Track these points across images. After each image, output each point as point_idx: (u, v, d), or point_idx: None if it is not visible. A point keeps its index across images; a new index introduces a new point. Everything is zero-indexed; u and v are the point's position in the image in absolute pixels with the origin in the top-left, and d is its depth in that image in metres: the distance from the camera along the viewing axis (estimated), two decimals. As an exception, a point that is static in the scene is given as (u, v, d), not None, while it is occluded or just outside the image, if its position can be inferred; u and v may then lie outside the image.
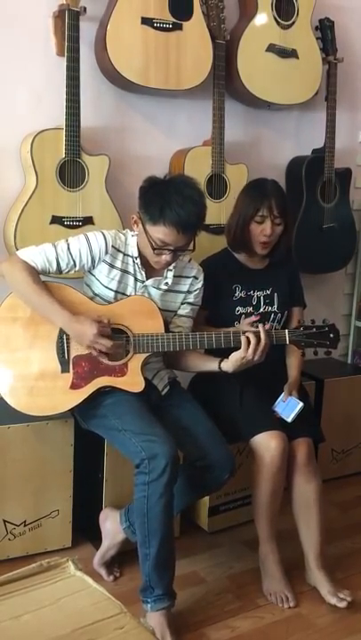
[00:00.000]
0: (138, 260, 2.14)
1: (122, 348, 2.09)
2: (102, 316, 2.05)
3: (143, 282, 2.16)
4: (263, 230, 2.31)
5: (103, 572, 2.27)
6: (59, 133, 2.34)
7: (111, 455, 2.30)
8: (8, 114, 2.44)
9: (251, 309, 2.39)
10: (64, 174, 2.37)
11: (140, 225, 2.09)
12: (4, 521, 2.26)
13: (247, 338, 2.06)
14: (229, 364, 2.10)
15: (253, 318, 2.21)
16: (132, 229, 2.16)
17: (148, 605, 1.97)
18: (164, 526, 1.95)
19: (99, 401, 2.10)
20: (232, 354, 2.09)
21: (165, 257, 2.08)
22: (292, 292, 2.49)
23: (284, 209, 2.33)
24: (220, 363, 2.13)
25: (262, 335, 2.06)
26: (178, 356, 2.23)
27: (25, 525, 2.30)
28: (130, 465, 2.00)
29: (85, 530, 2.43)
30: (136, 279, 2.16)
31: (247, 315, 2.37)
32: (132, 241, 2.15)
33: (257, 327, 2.11)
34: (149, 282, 2.17)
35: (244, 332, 2.08)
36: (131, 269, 2.15)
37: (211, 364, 2.16)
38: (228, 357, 2.10)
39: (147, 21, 2.45)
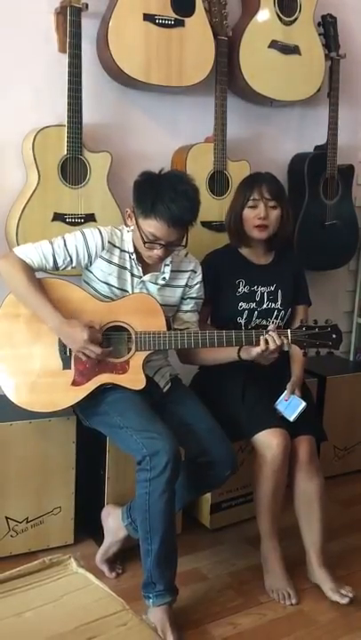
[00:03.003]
0: (134, 256, 2.14)
1: (123, 346, 2.09)
2: (94, 322, 2.05)
3: (140, 277, 2.16)
4: (257, 214, 2.30)
5: (105, 568, 2.27)
6: (61, 130, 2.34)
7: (113, 452, 2.30)
8: (10, 110, 2.43)
9: (254, 305, 2.39)
10: (66, 171, 2.37)
11: (134, 218, 2.09)
12: (7, 518, 2.27)
13: (266, 340, 2.09)
14: (247, 356, 2.15)
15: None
16: (126, 224, 2.17)
17: (150, 600, 1.98)
18: (166, 523, 1.95)
19: (100, 398, 2.10)
20: (253, 349, 2.12)
21: (157, 251, 2.08)
22: (297, 290, 2.48)
23: (277, 192, 2.33)
24: (238, 352, 2.16)
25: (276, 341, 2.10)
26: (194, 351, 2.24)
27: (27, 522, 2.30)
28: (132, 462, 2.00)
29: (87, 527, 2.44)
30: (133, 275, 2.16)
31: (250, 311, 2.37)
32: (127, 237, 2.15)
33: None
34: (147, 277, 2.17)
35: (267, 332, 2.11)
36: (127, 265, 2.15)
37: (230, 354, 2.18)
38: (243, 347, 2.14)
39: (149, 18, 2.44)
